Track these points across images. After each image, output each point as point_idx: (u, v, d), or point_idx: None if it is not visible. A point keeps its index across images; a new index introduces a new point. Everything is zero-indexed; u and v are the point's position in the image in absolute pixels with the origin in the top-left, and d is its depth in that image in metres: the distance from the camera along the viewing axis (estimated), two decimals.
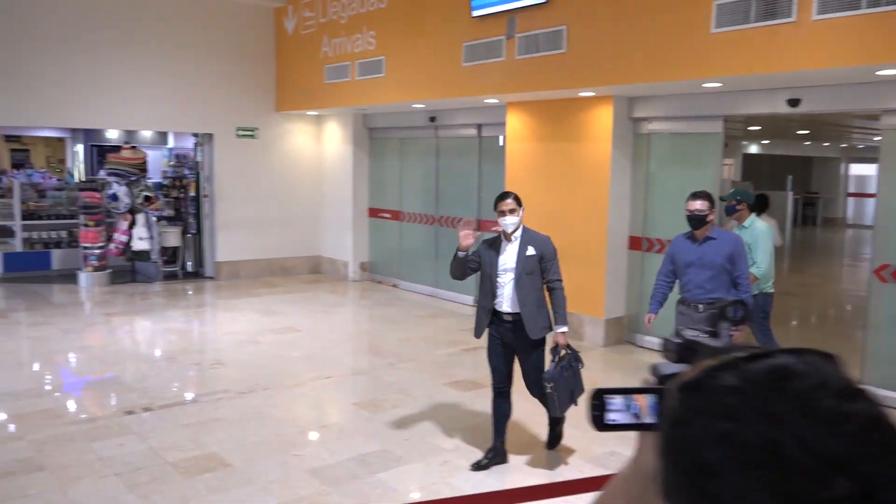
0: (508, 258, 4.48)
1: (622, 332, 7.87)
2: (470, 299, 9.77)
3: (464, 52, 7.90)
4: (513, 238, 4.50)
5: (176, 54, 10.46)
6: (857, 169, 23.96)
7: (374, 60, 9.24)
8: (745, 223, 6.06)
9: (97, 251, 10.48)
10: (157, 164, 13.63)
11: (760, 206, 6.54)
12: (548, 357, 4.56)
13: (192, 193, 11.37)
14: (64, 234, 11.38)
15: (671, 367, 0.80)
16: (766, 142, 20.23)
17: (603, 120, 7.52)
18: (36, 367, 6.72)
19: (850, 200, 24.45)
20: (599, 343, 7.66)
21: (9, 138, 20.56)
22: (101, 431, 5.05)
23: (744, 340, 4.74)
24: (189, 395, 5.98)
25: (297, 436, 5.10)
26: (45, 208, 11.42)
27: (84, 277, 10.41)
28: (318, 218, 12.03)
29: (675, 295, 5.02)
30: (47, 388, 6.05)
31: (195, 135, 11.37)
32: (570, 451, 4.88)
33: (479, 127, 9.52)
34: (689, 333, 3.45)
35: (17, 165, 18.25)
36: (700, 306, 4.75)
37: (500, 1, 7.37)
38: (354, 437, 5.07)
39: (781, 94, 6.34)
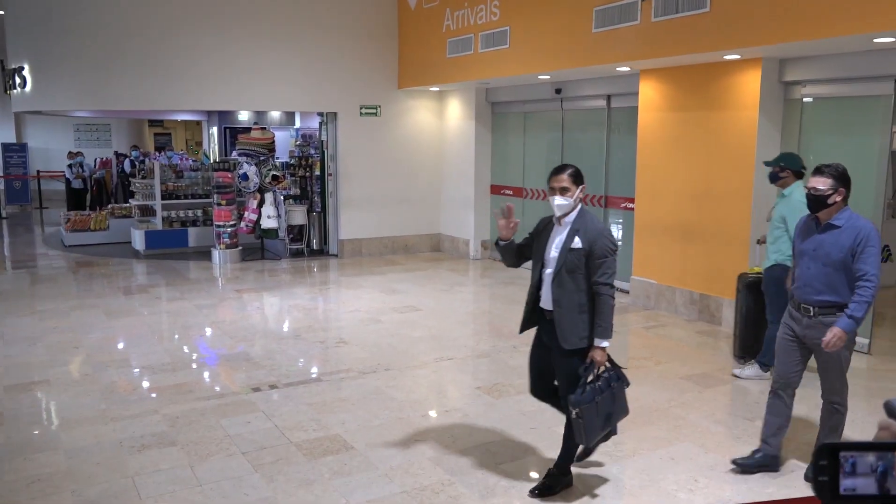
0: (554, 247, 3.75)
1: None
2: None
3: (594, 18, 7.41)
4: (563, 223, 3.75)
5: (302, 35, 10.57)
6: None
7: (499, 31, 8.91)
8: (786, 191, 5.44)
9: (229, 229, 10.85)
10: (285, 144, 13.99)
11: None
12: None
13: (318, 172, 11.54)
14: (199, 212, 11.89)
15: None
16: None
17: (749, 85, 6.83)
18: (171, 341, 6.98)
19: None
20: None
21: (153, 123, 21.95)
22: (230, 408, 5.11)
23: None
24: (313, 374, 5.98)
25: (419, 420, 4.95)
26: (183, 188, 11.96)
27: (217, 254, 10.82)
28: (438, 196, 11.90)
29: None
30: (181, 362, 6.23)
31: (320, 114, 11.50)
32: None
33: (608, 98, 8.99)
34: None
35: (159, 148, 19.42)
36: (811, 309, 3.88)
37: None
38: (478, 424, 4.86)
39: None
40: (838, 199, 3.79)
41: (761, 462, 4.15)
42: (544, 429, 4.75)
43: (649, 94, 7.93)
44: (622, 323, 7.63)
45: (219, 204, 10.85)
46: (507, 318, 7.80)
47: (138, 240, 11.48)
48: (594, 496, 3.91)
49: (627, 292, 8.53)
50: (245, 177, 10.89)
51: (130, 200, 12.85)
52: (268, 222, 10.95)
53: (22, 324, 7.35)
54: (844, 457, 0.59)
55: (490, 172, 11.20)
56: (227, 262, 10.78)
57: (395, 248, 11.65)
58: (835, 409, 3.96)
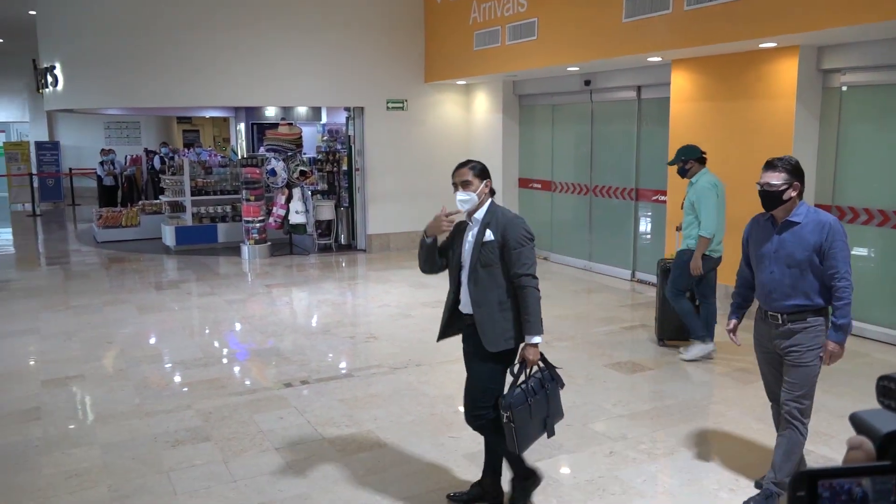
0: (467, 245, 3.52)
1: None
2: (627, 273, 9.21)
3: (625, 7, 7.29)
4: (474, 220, 3.52)
5: (328, 29, 10.56)
6: None
7: (526, 23, 8.80)
8: (693, 179, 5.83)
9: (258, 224, 10.90)
10: (311, 139, 14.00)
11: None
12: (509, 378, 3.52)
13: (345, 168, 11.53)
14: (228, 208, 11.96)
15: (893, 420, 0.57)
16: None
17: (786, 74, 6.67)
18: (202, 336, 7.01)
19: None
20: None
21: (181, 120, 22.15)
22: (262, 403, 5.11)
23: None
24: (343, 369, 5.96)
25: (452, 415, 4.90)
26: (212, 184, 12.04)
27: (246, 250, 10.87)
28: None
29: None
30: (212, 357, 6.26)
31: (347, 109, 11.49)
32: None
33: (638, 89, 8.85)
34: None
35: (188, 145, 19.59)
36: (779, 317, 3.52)
37: None
38: None
39: None
40: (793, 194, 3.45)
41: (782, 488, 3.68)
42: (579, 426, 4.69)
43: (681, 85, 7.79)
44: (650, 318, 7.52)
45: (247, 199, 10.90)
46: None
47: (169, 236, 11.59)
48: (634, 495, 3.84)
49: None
50: (273, 172, 10.92)
51: (160, 197, 12.97)
52: (296, 217, 10.97)
53: (57, 319, 7.44)
54: (823, 485, 0.54)
55: (518, 166, 11.11)
56: (256, 257, 10.83)
57: None
58: (792, 424, 3.52)
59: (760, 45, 6.58)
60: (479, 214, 3.50)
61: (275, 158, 11.03)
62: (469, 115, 11.71)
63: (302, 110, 15.89)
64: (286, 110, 15.93)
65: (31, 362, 6.15)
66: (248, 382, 5.68)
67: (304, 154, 11.74)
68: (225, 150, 15.64)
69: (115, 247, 11.96)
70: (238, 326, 7.30)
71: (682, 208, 6.05)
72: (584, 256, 9.96)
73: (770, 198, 3.48)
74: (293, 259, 10.85)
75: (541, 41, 8.63)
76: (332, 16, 10.57)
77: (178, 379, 5.69)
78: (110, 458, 4.26)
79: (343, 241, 11.60)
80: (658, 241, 8.54)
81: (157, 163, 15.40)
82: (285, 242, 11.37)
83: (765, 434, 4.57)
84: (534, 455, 4.24)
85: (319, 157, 12.47)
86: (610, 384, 5.49)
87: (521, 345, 3.50)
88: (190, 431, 4.63)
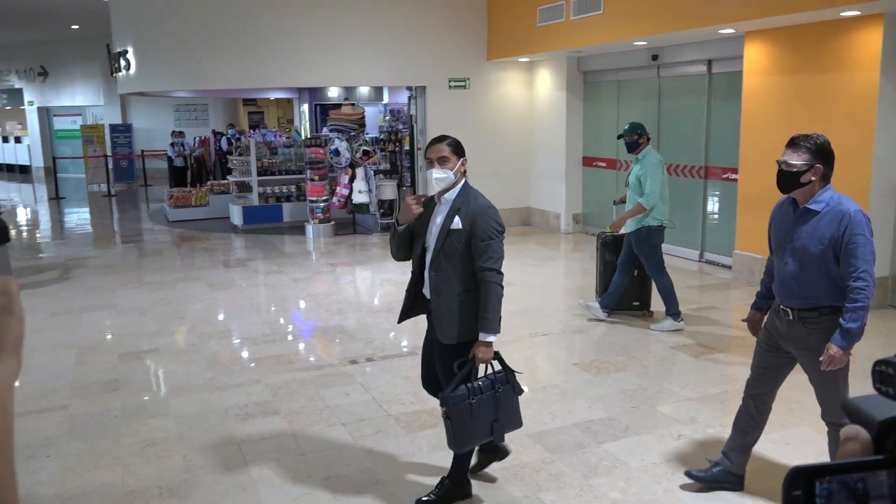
0: (434, 227, 3.32)
1: (885, 296, 6.74)
2: (695, 254, 8.98)
3: None
4: (443, 201, 3.33)
5: (390, 8, 10.55)
6: None
7: None
8: (640, 155, 6.01)
9: (322, 204, 11.04)
10: (374, 119, 14.07)
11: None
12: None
13: (407, 147, 11.55)
14: (293, 188, 12.16)
15: (890, 407, 0.54)
16: None
17: (869, 44, 6.32)
18: (269, 313, 7.17)
19: None
20: None
21: (246, 102, 22.58)
22: (328, 379, 5.20)
23: None
24: (406, 347, 6.00)
25: None
26: (277, 164, 12.25)
27: (310, 229, 11.05)
28: (528, 168, 11.72)
29: None
30: (279, 334, 6.39)
31: (409, 88, 11.48)
32: None
33: (708, 63, 8.55)
34: None
35: (253, 126, 19.97)
36: (790, 312, 3.23)
37: None
38: (577, 401, 4.75)
39: None
40: (813, 178, 3.08)
41: (718, 478, 3.59)
42: (646, 408, 4.60)
43: (755, 57, 7.48)
44: (725, 300, 7.31)
45: (312, 179, 11.04)
46: None
47: (236, 215, 11.87)
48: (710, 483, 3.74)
49: (730, 267, 8.17)
50: (336, 152, 11.03)
51: (228, 177, 13.28)
52: (359, 197, 11.07)
53: (132, 295, 7.72)
54: (821, 482, 0.52)
55: (582, 144, 10.92)
56: (321, 236, 10.99)
57: None
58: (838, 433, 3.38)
59: (841, 14, 6.25)
60: (451, 195, 3.33)
61: (338, 138, 11.13)
62: (532, 92, 11.55)
63: (364, 90, 15.96)
64: (349, 90, 16.03)
65: (109, 336, 6.40)
66: (313, 359, 5.78)
67: (367, 134, 11.82)
68: (289, 131, 15.88)
69: (185, 226, 12.32)
70: (303, 304, 7.43)
71: (626, 185, 6.26)
72: None
73: (786, 178, 3.14)
74: (356, 238, 10.97)
75: (606, 15, 8.42)
76: None
77: (246, 354, 5.84)
78: (184, 429, 4.40)
79: None
80: (728, 221, 8.28)
81: (224, 144, 15.76)
82: (349, 221, 11.50)
83: None
84: (598, 438, 4.19)
85: (382, 136, 12.54)
86: (678, 366, 5.37)
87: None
88: (259, 405, 4.74)
